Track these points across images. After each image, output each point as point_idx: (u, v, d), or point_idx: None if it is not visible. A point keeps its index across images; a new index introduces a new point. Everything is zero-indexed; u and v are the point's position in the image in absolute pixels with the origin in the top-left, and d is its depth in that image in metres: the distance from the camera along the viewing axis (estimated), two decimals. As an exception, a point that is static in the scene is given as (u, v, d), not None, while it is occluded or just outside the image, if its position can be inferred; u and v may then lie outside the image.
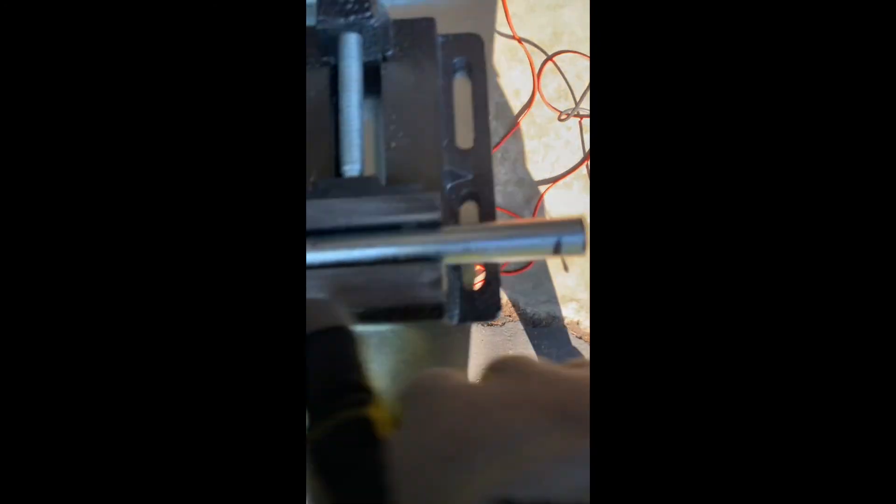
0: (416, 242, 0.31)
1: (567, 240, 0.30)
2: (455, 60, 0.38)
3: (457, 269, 0.35)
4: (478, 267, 0.36)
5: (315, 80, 0.36)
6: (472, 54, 0.38)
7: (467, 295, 0.35)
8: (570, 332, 1.03)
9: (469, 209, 0.37)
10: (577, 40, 1.05)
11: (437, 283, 0.30)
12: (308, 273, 0.31)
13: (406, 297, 0.30)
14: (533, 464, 0.18)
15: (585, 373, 0.22)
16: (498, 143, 1.04)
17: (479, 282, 0.36)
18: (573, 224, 0.30)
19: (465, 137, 0.38)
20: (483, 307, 0.34)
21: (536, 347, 1.02)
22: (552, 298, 1.05)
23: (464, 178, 0.36)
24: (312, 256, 0.31)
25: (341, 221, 0.31)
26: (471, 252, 0.31)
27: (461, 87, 0.39)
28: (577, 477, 0.17)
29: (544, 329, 1.03)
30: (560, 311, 1.04)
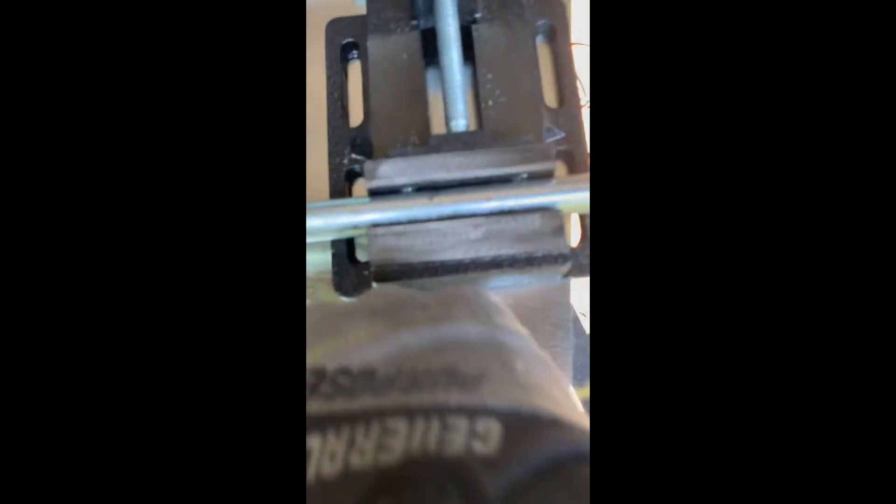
0: (534, 192, 0.31)
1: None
2: (539, 23, 0.38)
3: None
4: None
5: (406, 44, 0.36)
6: (555, 17, 0.38)
7: (569, 251, 0.35)
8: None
9: (560, 169, 0.37)
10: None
11: (559, 231, 0.30)
12: (426, 227, 0.30)
13: (529, 247, 0.30)
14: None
15: None
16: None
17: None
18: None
19: (550, 98, 0.38)
20: (585, 261, 0.35)
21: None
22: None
23: (557, 136, 0.36)
24: (429, 210, 0.31)
25: (457, 175, 0.31)
26: (584, 201, 0.31)
27: (542, 51, 0.39)
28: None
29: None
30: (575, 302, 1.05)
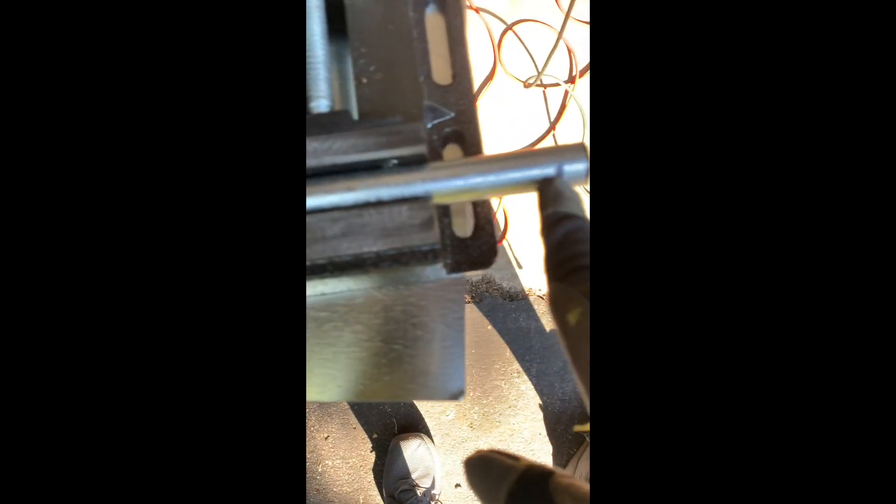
0: (402, 181, 0.27)
1: (570, 167, 0.27)
2: (425, -10, 0.34)
3: (445, 216, 0.32)
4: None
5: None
6: (442, -16, 0.34)
7: (458, 242, 0.32)
8: (545, 302, 1.02)
9: (453, 152, 0.34)
10: (538, 7, 1.03)
11: (428, 223, 0.27)
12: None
13: (396, 243, 0.27)
14: None
15: None
16: (463, 116, 1.01)
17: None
18: (575, 150, 0.27)
19: (442, 74, 0.34)
20: (476, 254, 0.31)
21: (514, 321, 1.00)
22: (526, 271, 1.03)
23: (445, 117, 0.33)
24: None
25: (312, 162, 0.27)
26: (464, 188, 0.28)
27: (435, 23, 0.35)
28: None
29: (521, 302, 1.01)
30: (535, 283, 1.03)
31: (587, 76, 1.02)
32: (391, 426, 1.00)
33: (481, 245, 0.32)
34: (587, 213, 0.26)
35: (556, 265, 0.23)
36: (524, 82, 1.00)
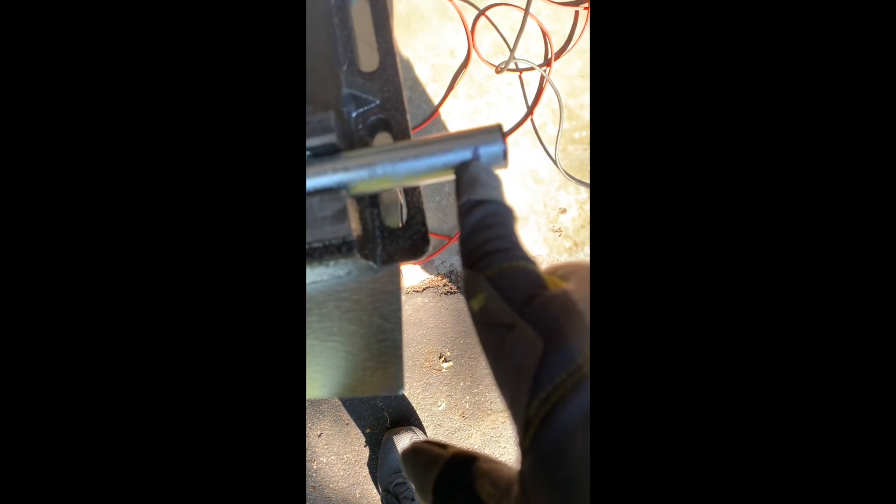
0: (312, 173, 0.26)
1: (486, 150, 0.26)
2: (346, -25, 0.33)
3: (375, 207, 0.31)
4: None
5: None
6: (364, -32, 0.33)
7: (390, 233, 0.31)
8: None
9: (384, 140, 0.33)
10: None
11: (341, 215, 0.26)
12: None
13: (309, 237, 0.26)
14: None
15: None
16: (438, 105, 1.00)
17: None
18: (491, 132, 0.27)
19: (369, 62, 0.33)
20: (408, 244, 0.31)
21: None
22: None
23: (370, 105, 0.32)
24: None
25: (223, 159, 0.26)
26: (378, 177, 0.27)
27: (360, 10, 0.34)
28: None
29: (508, 291, 1.01)
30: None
31: (563, 59, 1.00)
32: (383, 420, 1.00)
33: (413, 235, 0.31)
34: (503, 196, 0.25)
35: (468, 253, 0.22)
36: (496, 67, 0.99)
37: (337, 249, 0.26)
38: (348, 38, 0.32)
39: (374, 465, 1.00)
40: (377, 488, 0.99)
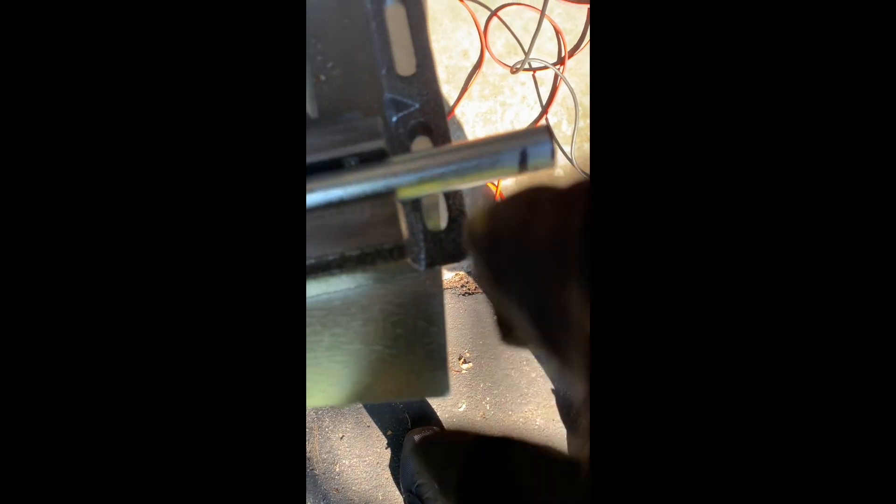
0: (362, 179, 0.26)
1: (534, 150, 0.26)
2: (382, -20, 0.34)
3: (417, 211, 0.31)
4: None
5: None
6: (399, -28, 0.34)
7: (433, 237, 0.31)
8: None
9: (422, 144, 0.33)
10: (520, -11, 1.01)
11: (392, 219, 0.26)
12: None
13: (360, 242, 0.26)
14: None
15: None
16: (453, 107, 1.00)
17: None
18: (538, 133, 0.27)
19: (406, 65, 0.34)
20: (451, 247, 0.31)
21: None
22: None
23: (410, 109, 0.32)
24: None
25: (272, 166, 0.26)
26: (426, 181, 0.27)
27: (394, 13, 0.34)
28: None
29: (527, 291, 1.00)
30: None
31: (577, 57, 1.00)
32: (404, 422, 1.00)
33: (455, 237, 0.31)
34: None
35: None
36: (511, 67, 0.99)
37: (389, 254, 0.26)
38: (385, 42, 0.32)
39: (397, 467, 1.00)
40: (399, 490, 0.99)
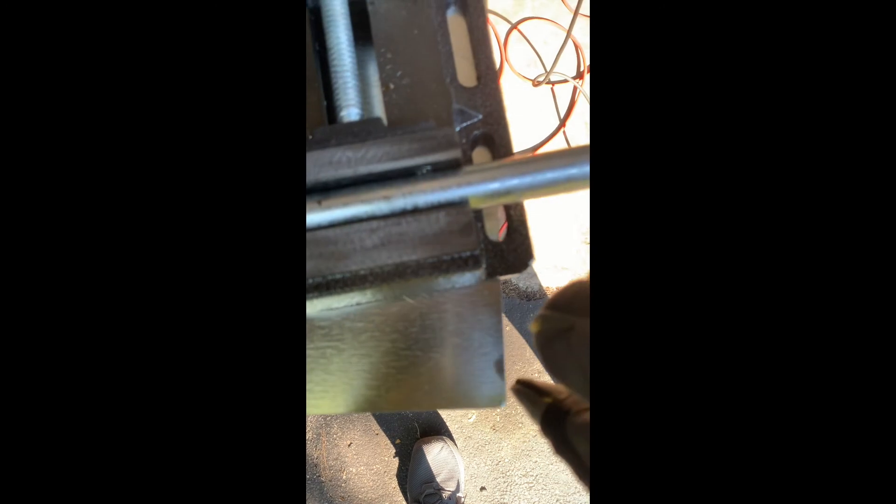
0: (438, 187, 0.27)
1: (606, 165, 0.27)
2: (447, -7, 0.34)
3: (479, 221, 0.31)
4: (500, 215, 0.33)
5: (293, 25, 0.32)
6: (463, -15, 0.34)
7: (493, 246, 0.31)
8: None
9: (482, 155, 0.33)
10: (541, 5, 1.02)
11: (468, 229, 0.26)
12: (314, 236, 0.26)
13: (435, 250, 0.26)
14: None
15: None
16: (472, 117, 1.01)
17: (502, 230, 0.32)
18: (610, 148, 0.27)
19: (468, 76, 0.34)
20: (513, 258, 0.31)
21: (531, 320, 1.00)
22: (542, 269, 1.02)
23: (473, 120, 0.32)
24: (319, 216, 0.26)
25: (347, 172, 0.27)
26: (501, 192, 0.27)
27: (456, 25, 0.35)
28: None
29: (538, 301, 1.01)
30: (552, 281, 1.02)
31: (595, 71, 1.01)
32: (413, 431, 1.00)
33: (517, 248, 0.31)
34: None
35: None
36: (533, 81, 1.00)
37: (465, 263, 0.26)
38: (449, 53, 0.33)
39: (404, 477, 0.99)
40: (406, 499, 0.99)
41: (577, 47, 1.02)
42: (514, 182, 0.27)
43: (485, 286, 0.32)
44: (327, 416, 0.99)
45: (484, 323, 0.32)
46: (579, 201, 1.00)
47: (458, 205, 0.27)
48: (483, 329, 0.32)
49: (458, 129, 0.32)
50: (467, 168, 0.28)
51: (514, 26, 1.03)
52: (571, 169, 0.27)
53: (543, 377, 1.01)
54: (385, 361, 0.31)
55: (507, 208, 0.32)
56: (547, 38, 1.03)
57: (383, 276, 0.26)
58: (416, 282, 0.27)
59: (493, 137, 0.32)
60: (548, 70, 0.96)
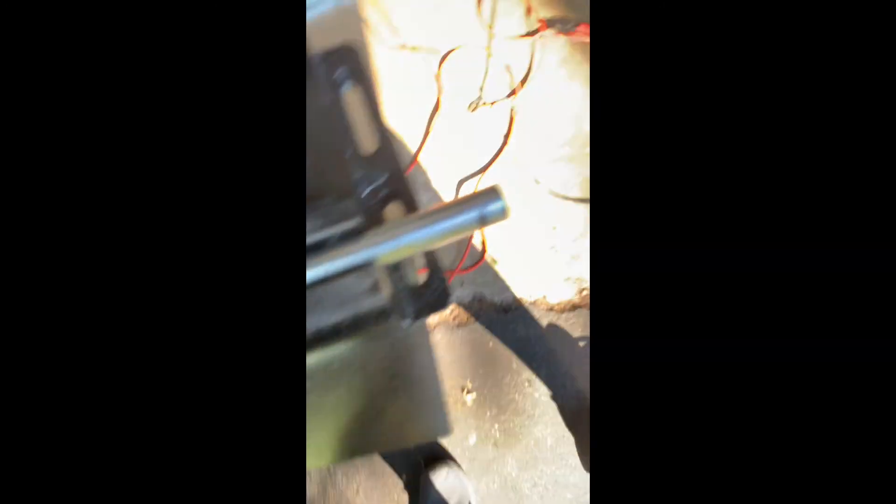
0: (343, 255, 0.30)
1: (490, 209, 0.30)
2: (337, 72, 0.38)
3: (398, 270, 0.35)
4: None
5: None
6: (350, 63, 0.38)
7: (414, 292, 0.34)
8: (539, 308, 1.04)
9: (395, 209, 0.37)
10: (467, 30, 1.07)
11: (374, 288, 0.29)
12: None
13: (349, 311, 0.29)
14: None
15: None
16: (417, 151, 1.05)
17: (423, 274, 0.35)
18: (491, 193, 0.30)
19: (370, 141, 0.37)
20: (433, 299, 0.34)
21: (513, 332, 1.02)
22: (515, 282, 1.05)
23: (379, 182, 0.36)
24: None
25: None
26: (401, 247, 0.30)
27: (353, 97, 0.38)
28: None
29: (515, 312, 1.04)
30: (525, 291, 1.05)
31: (528, 86, 1.06)
32: (418, 464, 1.01)
33: (435, 289, 0.34)
34: None
35: None
36: (469, 107, 1.04)
37: (377, 318, 0.29)
38: (346, 127, 0.36)
39: (417, 509, 1.00)
40: (423, 532, 0.99)
41: (507, 68, 1.07)
42: (411, 237, 0.30)
43: (414, 328, 0.35)
44: (330, 466, 1.00)
45: (418, 362, 0.35)
46: (558, 213, 1.04)
47: (363, 267, 0.30)
48: (419, 367, 0.35)
49: (364, 193, 0.35)
50: (370, 232, 0.31)
51: (444, 56, 1.08)
52: (460, 219, 0.30)
53: (532, 386, 1.03)
54: (334, 415, 0.34)
55: (424, 254, 0.35)
56: (478, 64, 1.08)
57: (307, 343, 0.29)
58: (342, 341, 0.30)
59: (399, 193, 0.36)
60: (479, 97, 1.01)
